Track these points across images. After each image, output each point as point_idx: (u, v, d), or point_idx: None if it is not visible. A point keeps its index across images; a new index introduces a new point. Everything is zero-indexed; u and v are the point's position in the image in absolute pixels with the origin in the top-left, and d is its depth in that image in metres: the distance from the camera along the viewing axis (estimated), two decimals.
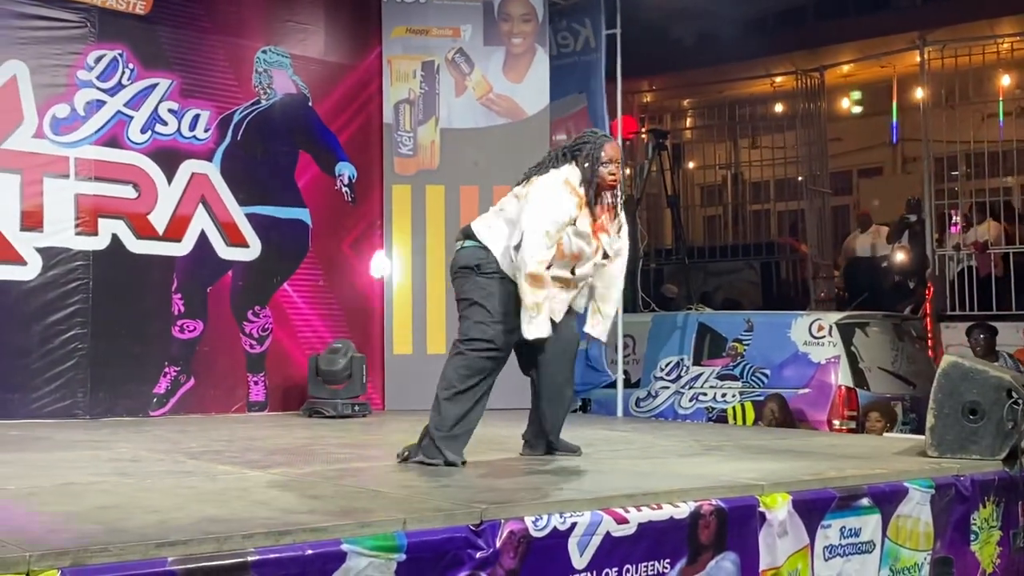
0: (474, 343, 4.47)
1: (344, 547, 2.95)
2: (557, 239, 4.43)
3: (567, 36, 8.86)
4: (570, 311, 4.73)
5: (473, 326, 4.48)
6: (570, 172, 4.53)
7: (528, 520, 3.35)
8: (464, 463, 4.48)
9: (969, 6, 11.75)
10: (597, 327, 4.83)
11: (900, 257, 11.26)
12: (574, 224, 4.48)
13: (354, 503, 3.48)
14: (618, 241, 4.71)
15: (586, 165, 4.53)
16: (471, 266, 4.53)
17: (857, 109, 14.09)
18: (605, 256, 4.66)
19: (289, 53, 8.08)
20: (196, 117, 7.62)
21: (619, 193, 4.70)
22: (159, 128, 7.46)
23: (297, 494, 3.70)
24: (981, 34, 11.12)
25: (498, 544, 3.24)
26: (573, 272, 4.59)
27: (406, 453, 4.59)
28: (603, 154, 4.55)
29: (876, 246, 11.62)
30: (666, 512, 3.64)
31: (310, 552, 2.87)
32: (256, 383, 7.82)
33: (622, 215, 4.76)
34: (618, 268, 4.78)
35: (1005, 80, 11.73)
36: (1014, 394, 4.79)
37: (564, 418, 4.92)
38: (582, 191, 4.51)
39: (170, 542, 2.76)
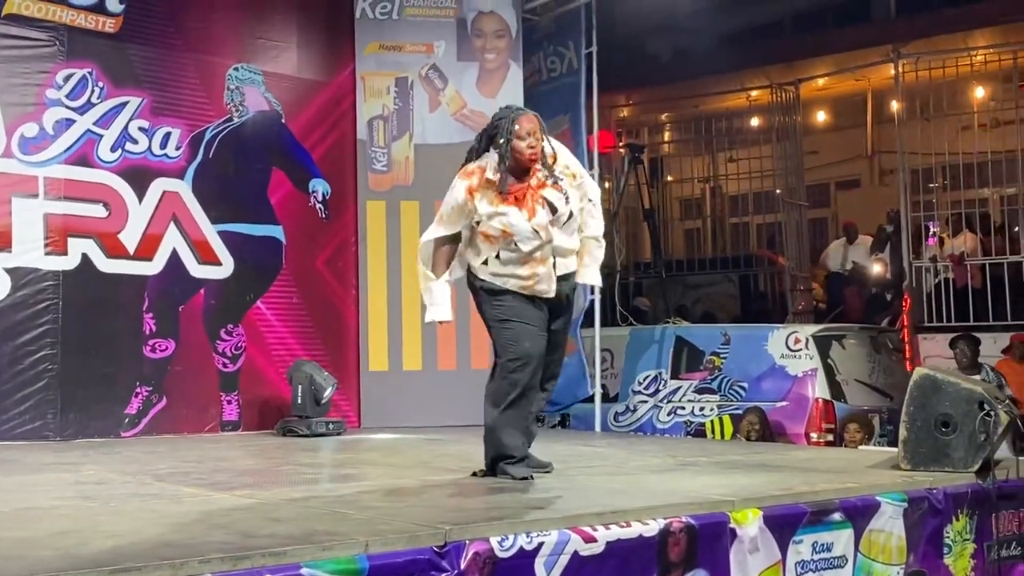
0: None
1: (304, 571, 2.89)
2: (449, 227, 4.61)
3: (555, 61, 8.89)
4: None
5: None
6: (484, 159, 4.58)
7: (494, 540, 3.31)
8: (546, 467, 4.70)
9: (943, 19, 11.84)
10: (588, 275, 4.77)
11: (877, 269, 11.29)
12: (474, 208, 4.52)
13: (317, 526, 3.42)
14: (570, 204, 4.61)
15: (501, 141, 4.52)
16: (471, 288, 4.73)
17: (833, 122, 14.14)
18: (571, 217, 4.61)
19: (261, 70, 8.05)
20: (167, 135, 7.57)
21: (546, 162, 4.62)
22: (129, 146, 7.40)
23: (260, 516, 3.64)
24: (955, 47, 11.17)
25: (463, 565, 3.20)
26: (537, 248, 4.56)
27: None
28: (516, 127, 4.53)
29: (851, 258, 11.65)
30: (635, 530, 3.60)
31: None
32: (229, 402, 7.74)
33: (567, 181, 4.64)
34: (589, 225, 4.72)
35: (979, 92, 11.77)
36: (986, 406, 4.77)
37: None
38: (479, 175, 4.53)
39: (123, 568, 2.70)
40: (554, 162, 4.65)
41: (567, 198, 4.60)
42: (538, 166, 4.59)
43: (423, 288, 4.74)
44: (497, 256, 4.57)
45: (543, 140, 4.61)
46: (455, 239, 4.70)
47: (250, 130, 7.97)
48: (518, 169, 4.56)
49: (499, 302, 4.62)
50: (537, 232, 4.55)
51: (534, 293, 4.60)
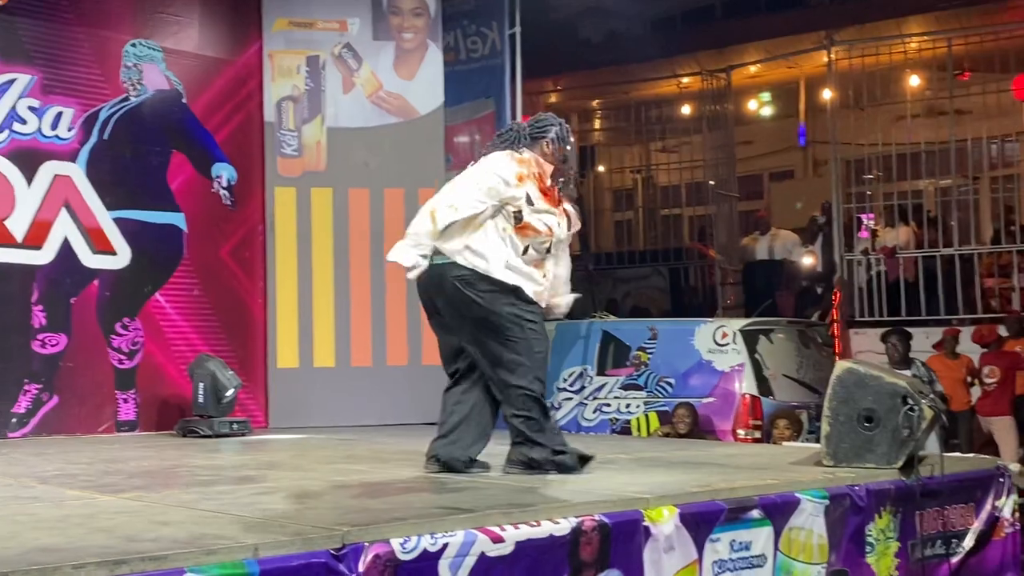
0: None
1: None
2: (481, 204, 4.56)
3: (476, 41, 8.87)
4: None
5: None
6: (526, 153, 4.70)
7: (395, 542, 3.28)
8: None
9: (876, 5, 12.07)
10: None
11: (808, 261, 11.48)
12: (522, 196, 4.59)
13: (206, 529, 3.36)
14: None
15: (555, 143, 4.72)
16: (465, 277, 4.66)
17: (766, 111, 14.34)
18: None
19: (161, 47, 7.92)
20: (59, 115, 7.42)
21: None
22: (17, 127, 7.24)
23: (146, 520, 3.57)
24: (888, 33, 11.41)
25: (361, 569, 3.17)
26: (549, 250, 4.70)
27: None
28: (571, 138, 4.80)
29: (774, 249, 11.81)
30: (545, 529, 3.59)
31: None
32: (126, 401, 7.62)
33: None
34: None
35: (914, 81, 12.04)
36: (910, 400, 4.85)
37: None
38: (534, 165, 4.67)
39: None
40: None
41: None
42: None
43: (403, 253, 4.63)
44: (525, 251, 4.61)
45: None
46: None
47: (148, 110, 7.84)
48: (554, 176, 4.72)
49: (518, 300, 4.61)
50: (561, 241, 4.73)
51: (539, 300, 4.68)
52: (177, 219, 7.92)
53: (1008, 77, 11.04)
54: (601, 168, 15.26)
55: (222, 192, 8.16)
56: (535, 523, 3.60)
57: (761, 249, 11.94)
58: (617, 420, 8.53)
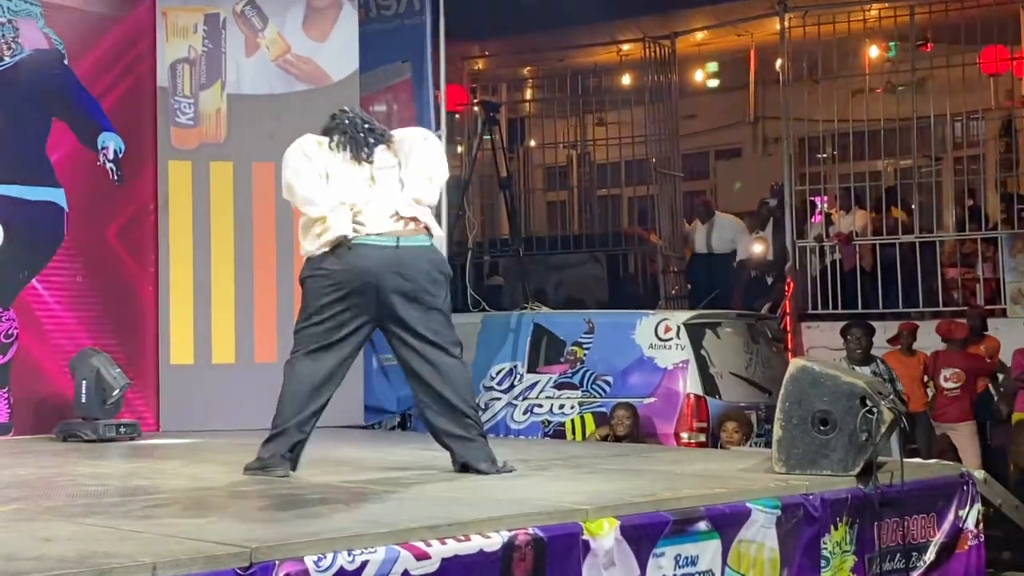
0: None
1: None
2: None
3: None
4: None
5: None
6: None
7: (309, 560, 3.31)
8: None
9: None
10: None
11: (757, 249, 11.64)
12: None
13: (95, 546, 3.34)
14: None
15: None
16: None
17: (713, 83, 14.50)
18: None
19: (39, 0, 7.75)
20: None
21: None
22: None
23: (26, 536, 3.55)
24: (847, 0, 11.59)
25: None
26: None
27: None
28: None
29: (714, 239, 11.89)
30: (475, 544, 3.65)
31: None
32: None
33: None
34: None
35: (873, 52, 12.26)
36: (868, 402, 4.97)
37: None
38: None
39: None
40: None
41: None
42: None
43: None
44: None
45: None
46: None
47: (25, 72, 7.68)
48: None
49: None
50: None
51: None
52: (57, 196, 7.76)
53: (975, 49, 11.28)
54: (532, 143, 15.30)
55: (108, 166, 8.04)
56: (463, 537, 3.65)
57: (700, 240, 12.05)
58: (550, 422, 8.59)
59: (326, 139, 5.23)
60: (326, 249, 5.03)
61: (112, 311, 8.01)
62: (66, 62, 7.89)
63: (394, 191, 5.17)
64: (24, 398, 7.59)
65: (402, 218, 5.10)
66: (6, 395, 7.54)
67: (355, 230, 5.03)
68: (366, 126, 5.28)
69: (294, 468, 5.10)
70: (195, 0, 8.31)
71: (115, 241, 8.08)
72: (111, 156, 8.06)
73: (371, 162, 5.21)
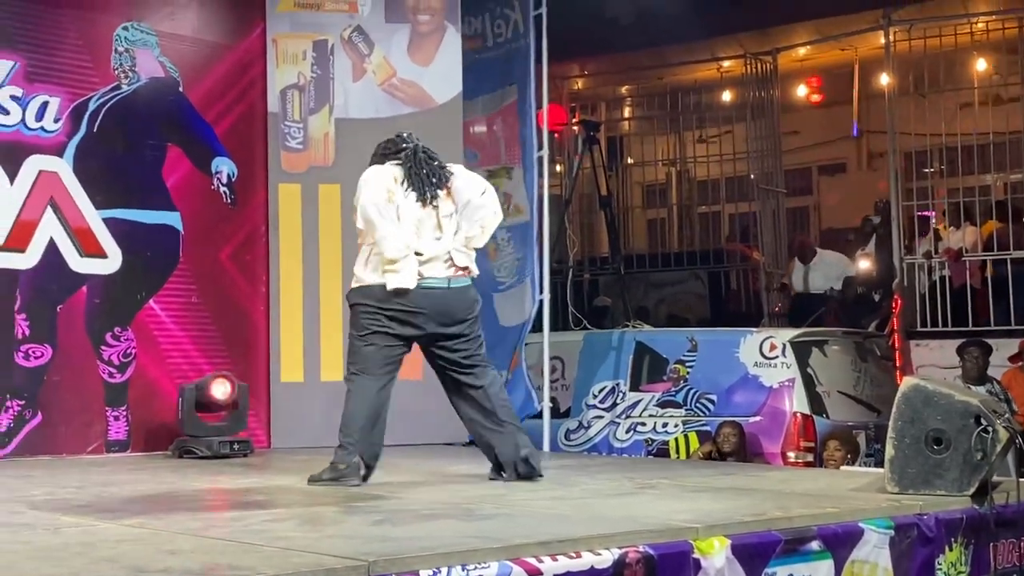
0: None
1: None
2: None
3: (501, 24, 8.92)
4: None
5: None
6: None
7: (424, 574, 3.34)
8: None
9: None
10: None
11: (864, 266, 11.46)
12: None
13: (218, 559, 3.43)
14: None
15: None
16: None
17: (816, 98, 14.34)
18: None
19: (155, 30, 7.98)
20: (44, 105, 7.48)
21: None
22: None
23: (152, 549, 3.65)
24: (953, 12, 11.40)
25: None
26: None
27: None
28: None
29: (811, 280, 11.46)
30: (586, 561, 3.65)
31: None
32: (116, 418, 7.68)
33: None
34: None
35: (980, 65, 12.02)
36: (983, 420, 4.88)
37: None
38: None
39: None
40: None
41: None
42: None
43: None
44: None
45: None
46: None
47: (142, 100, 7.89)
48: None
49: None
50: None
51: None
52: (173, 219, 7.97)
53: None
54: (631, 161, 15.29)
55: (222, 189, 8.22)
56: (574, 554, 3.65)
57: (798, 279, 11.64)
58: (653, 441, 8.56)
59: (400, 174, 5.61)
60: (382, 284, 5.53)
61: (225, 330, 8.17)
62: (181, 89, 8.09)
63: (450, 235, 5.65)
64: (141, 416, 7.77)
65: (454, 265, 5.62)
66: (125, 413, 7.73)
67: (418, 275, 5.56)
68: (433, 163, 5.69)
69: (366, 479, 5.53)
70: (304, 27, 8.47)
71: (228, 262, 8.25)
72: (224, 180, 8.24)
73: (436, 207, 5.62)
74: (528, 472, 5.63)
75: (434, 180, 5.62)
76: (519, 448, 5.66)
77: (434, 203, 5.60)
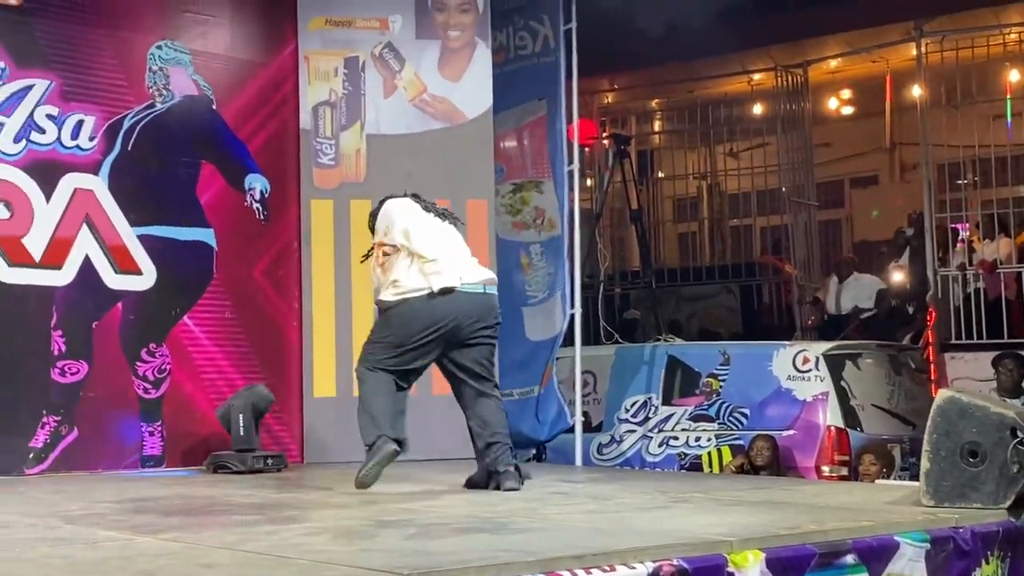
0: None
1: None
2: None
3: (525, 36, 8.94)
4: None
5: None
6: None
7: None
8: None
9: None
10: None
11: (898, 278, 11.41)
12: None
13: (255, 572, 3.47)
14: None
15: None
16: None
17: (847, 110, 14.32)
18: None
19: (189, 49, 8.05)
20: (79, 123, 7.56)
21: None
22: (35, 137, 7.39)
23: (189, 563, 3.68)
24: (985, 23, 11.36)
25: None
26: None
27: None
28: None
29: (843, 300, 11.40)
30: (620, 574, 3.65)
31: None
32: (151, 434, 7.73)
33: None
34: None
35: (1013, 76, 11.97)
36: (1019, 433, 4.86)
37: None
38: None
39: None
40: None
41: None
42: None
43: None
44: None
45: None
46: None
47: (176, 118, 7.96)
48: None
49: None
50: None
51: None
52: (207, 235, 8.03)
53: None
54: (662, 175, 15.30)
55: (255, 206, 8.28)
56: (608, 567, 3.66)
57: (831, 299, 11.56)
58: (686, 455, 8.54)
59: (413, 202, 6.20)
60: (427, 288, 5.81)
61: (258, 346, 8.21)
62: (214, 107, 8.16)
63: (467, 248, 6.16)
64: (176, 431, 7.82)
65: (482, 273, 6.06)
66: (160, 428, 7.78)
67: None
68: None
69: (401, 448, 5.80)
70: (336, 44, 8.53)
71: (261, 278, 8.30)
72: (257, 196, 8.30)
73: (452, 224, 6.17)
74: (511, 486, 5.84)
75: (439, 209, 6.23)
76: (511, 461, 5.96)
77: (448, 221, 6.17)
